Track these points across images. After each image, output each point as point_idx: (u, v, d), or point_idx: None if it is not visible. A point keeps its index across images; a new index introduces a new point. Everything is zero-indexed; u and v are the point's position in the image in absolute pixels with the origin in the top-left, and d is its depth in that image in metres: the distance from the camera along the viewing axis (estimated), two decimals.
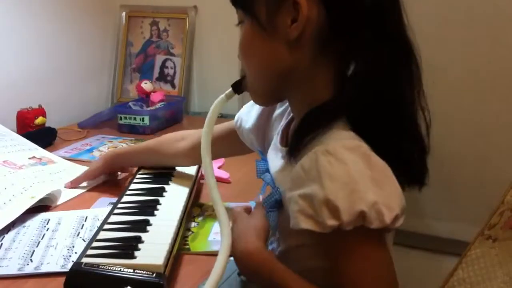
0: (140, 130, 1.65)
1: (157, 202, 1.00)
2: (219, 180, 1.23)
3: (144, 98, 1.80)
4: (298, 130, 0.72)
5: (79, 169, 1.26)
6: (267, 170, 0.83)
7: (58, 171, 1.27)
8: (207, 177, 0.79)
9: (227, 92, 0.82)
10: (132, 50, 2.01)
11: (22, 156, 1.30)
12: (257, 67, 0.74)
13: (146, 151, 1.16)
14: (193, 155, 1.05)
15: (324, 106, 0.69)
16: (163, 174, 1.15)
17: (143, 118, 1.65)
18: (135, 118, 1.66)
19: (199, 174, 1.19)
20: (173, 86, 1.95)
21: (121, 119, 1.67)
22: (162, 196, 1.04)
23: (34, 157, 1.33)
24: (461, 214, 1.45)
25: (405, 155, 0.69)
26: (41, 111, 1.57)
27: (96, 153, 1.45)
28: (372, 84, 0.67)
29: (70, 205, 1.11)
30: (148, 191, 1.06)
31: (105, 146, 1.51)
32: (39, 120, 1.55)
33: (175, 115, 1.79)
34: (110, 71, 2.04)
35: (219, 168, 1.30)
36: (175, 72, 1.95)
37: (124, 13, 2.01)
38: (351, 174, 0.61)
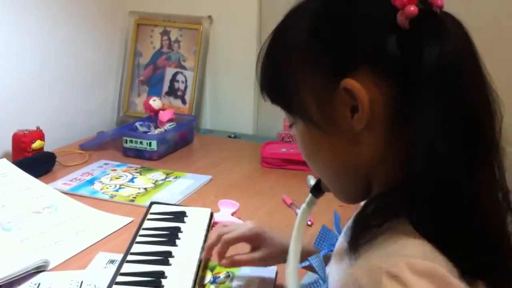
0: (147, 155, 1.51)
1: (169, 254, 0.95)
2: None
3: (152, 116, 1.66)
4: (358, 220, 0.56)
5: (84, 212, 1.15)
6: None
7: (63, 221, 1.13)
8: None
9: (307, 200, 0.71)
10: (141, 60, 1.87)
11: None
12: (327, 168, 0.62)
13: None
14: None
15: (388, 194, 0.54)
16: (172, 228, 1.04)
17: (150, 143, 1.50)
18: (141, 142, 1.51)
19: (212, 221, 1.08)
20: (184, 101, 1.80)
21: (126, 142, 1.53)
22: (174, 245, 0.99)
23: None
24: None
25: (491, 276, 0.53)
26: (38, 134, 1.43)
27: (97, 186, 1.31)
28: (441, 175, 0.51)
29: (65, 264, 0.98)
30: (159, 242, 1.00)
31: (108, 176, 1.38)
32: (37, 144, 1.42)
33: (185, 137, 1.65)
34: (116, 83, 1.89)
35: (232, 214, 1.16)
36: (186, 87, 1.81)
37: (133, 20, 1.86)
38: None
